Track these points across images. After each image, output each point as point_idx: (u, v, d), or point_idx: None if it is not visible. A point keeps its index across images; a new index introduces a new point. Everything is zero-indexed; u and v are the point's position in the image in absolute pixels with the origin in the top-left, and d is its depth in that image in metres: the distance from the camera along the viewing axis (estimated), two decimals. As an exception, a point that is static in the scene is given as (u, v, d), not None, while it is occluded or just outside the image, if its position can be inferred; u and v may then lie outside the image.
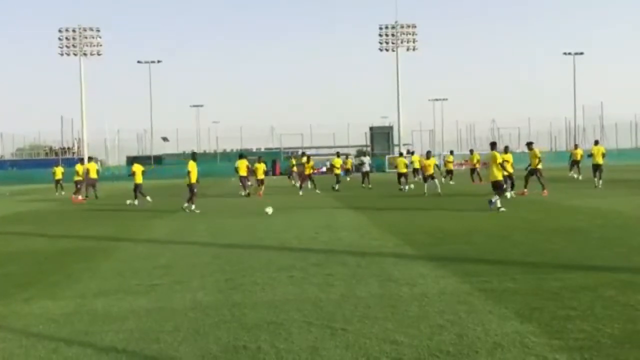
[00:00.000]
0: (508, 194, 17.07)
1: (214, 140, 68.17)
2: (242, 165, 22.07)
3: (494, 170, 14.16)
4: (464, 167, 45.09)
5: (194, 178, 16.50)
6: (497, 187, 14.03)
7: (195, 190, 16.44)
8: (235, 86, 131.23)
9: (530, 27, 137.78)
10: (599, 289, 5.78)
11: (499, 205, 13.56)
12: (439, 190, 20.11)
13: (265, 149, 63.96)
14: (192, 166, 16.63)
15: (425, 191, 20.52)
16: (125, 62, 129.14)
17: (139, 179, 20.16)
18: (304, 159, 24.76)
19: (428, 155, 22.12)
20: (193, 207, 16.39)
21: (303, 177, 24.75)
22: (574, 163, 27.44)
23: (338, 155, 28.55)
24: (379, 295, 5.86)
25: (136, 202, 20.02)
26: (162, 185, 35.63)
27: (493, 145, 15.04)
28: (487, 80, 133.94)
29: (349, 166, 38.13)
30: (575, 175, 26.83)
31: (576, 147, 29.41)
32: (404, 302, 5.54)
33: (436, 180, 20.46)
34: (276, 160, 57.12)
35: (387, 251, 8.60)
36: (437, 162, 21.97)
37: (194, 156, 17.35)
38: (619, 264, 7.09)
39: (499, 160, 14.27)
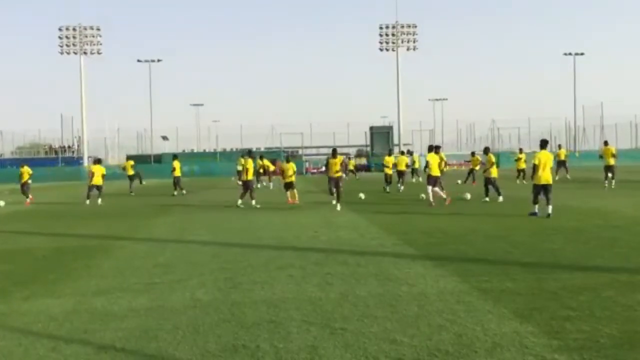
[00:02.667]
0: (488, 199, 16.62)
1: (213, 139, 68.17)
2: (177, 166, 23.52)
3: (548, 171, 12.36)
4: (463, 167, 45.11)
5: (250, 175, 17.66)
6: (550, 191, 12.33)
7: (251, 186, 17.45)
8: (236, 85, 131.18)
9: (530, 27, 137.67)
10: (598, 289, 5.78)
11: (536, 210, 12.27)
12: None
13: (265, 148, 63.92)
14: (250, 164, 17.78)
15: (487, 198, 16.64)
16: (125, 60, 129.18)
17: (97, 180, 20.99)
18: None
19: (487, 151, 18.44)
20: (253, 202, 17.12)
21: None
22: (559, 164, 27.41)
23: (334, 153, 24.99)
24: (378, 294, 5.87)
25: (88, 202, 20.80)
26: (161, 185, 35.59)
27: (545, 143, 12.73)
28: (487, 80, 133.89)
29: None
30: (556, 177, 26.61)
31: (559, 147, 29.44)
32: (403, 302, 5.54)
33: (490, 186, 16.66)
34: (275, 160, 57.16)
35: (387, 251, 8.60)
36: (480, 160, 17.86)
37: (250, 153, 18.97)
38: (618, 264, 7.09)
39: (551, 163, 12.42)
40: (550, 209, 12.14)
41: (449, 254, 8.14)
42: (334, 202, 16.15)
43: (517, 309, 5.16)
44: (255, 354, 4.21)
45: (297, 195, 17.95)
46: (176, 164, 23.69)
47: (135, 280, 6.96)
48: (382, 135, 60.68)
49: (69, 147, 63.39)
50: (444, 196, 15.96)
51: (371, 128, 62.67)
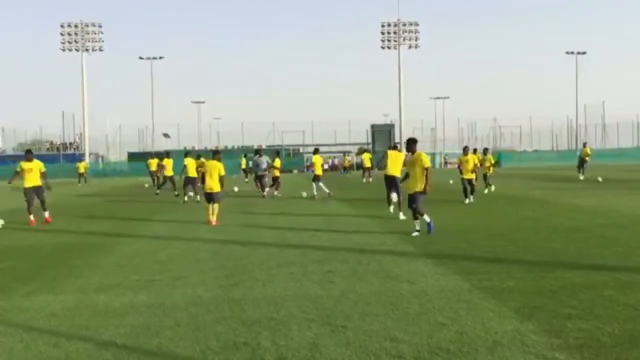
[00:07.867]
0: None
1: (215, 137, 68.24)
2: (191, 165, 19.21)
3: (419, 176, 10.14)
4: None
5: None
6: (418, 202, 10.12)
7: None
8: (237, 82, 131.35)
9: (532, 25, 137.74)
10: (598, 288, 5.78)
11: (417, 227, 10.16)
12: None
13: (267, 145, 63.92)
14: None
15: None
16: (127, 58, 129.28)
17: (170, 172, 22.44)
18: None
19: (360, 151, 19.97)
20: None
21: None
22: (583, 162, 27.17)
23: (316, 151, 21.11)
24: (379, 292, 5.87)
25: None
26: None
27: (411, 142, 10.52)
28: (489, 78, 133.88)
29: (346, 164, 40.99)
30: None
31: (584, 145, 29.09)
32: (404, 300, 5.54)
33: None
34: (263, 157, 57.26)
35: (387, 248, 8.60)
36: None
37: (257, 152, 21.90)
38: (618, 263, 7.08)
39: (426, 164, 10.10)
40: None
41: (449, 252, 8.14)
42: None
43: (518, 307, 5.16)
44: (256, 351, 4.21)
45: (217, 211, 12.58)
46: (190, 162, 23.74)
47: (137, 277, 6.97)
48: (383, 134, 60.68)
49: (70, 144, 63.44)
50: (326, 191, 19.16)
51: (372, 126, 62.71)
